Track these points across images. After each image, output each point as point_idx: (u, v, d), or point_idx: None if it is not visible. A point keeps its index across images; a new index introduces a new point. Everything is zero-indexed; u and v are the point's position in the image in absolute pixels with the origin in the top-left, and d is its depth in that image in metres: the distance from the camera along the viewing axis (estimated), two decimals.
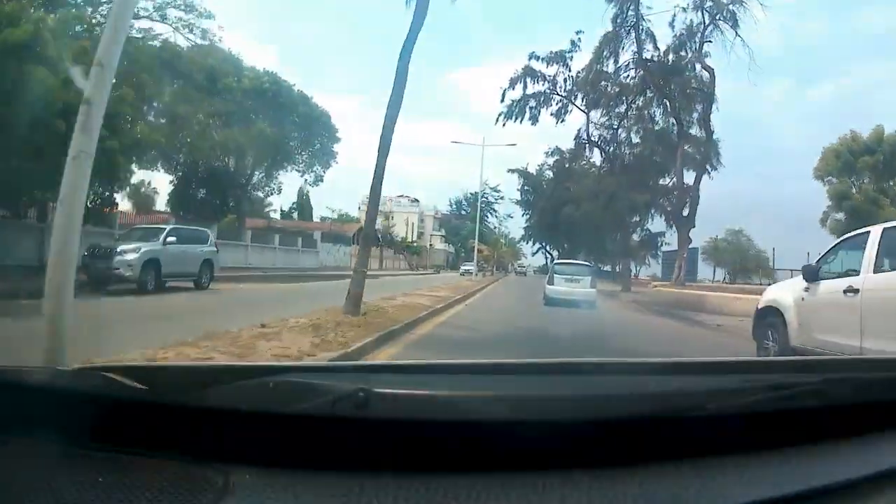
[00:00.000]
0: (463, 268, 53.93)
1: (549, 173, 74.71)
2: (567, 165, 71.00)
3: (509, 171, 68.44)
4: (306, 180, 37.62)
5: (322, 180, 38.05)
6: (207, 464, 0.83)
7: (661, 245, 52.54)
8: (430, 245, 78.71)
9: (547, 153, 73.83)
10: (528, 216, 74.83)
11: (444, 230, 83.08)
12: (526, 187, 73.25)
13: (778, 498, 0.87)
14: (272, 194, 38.36)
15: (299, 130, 35.27)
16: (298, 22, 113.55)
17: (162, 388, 0.92)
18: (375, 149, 10.42)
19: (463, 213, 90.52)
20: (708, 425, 0.95)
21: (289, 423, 0.85)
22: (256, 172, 36.15)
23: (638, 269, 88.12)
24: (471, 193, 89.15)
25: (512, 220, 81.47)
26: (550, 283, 17.85)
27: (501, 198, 79.10)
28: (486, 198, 78.86)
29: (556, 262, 22.22)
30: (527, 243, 77.55)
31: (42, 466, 0.86)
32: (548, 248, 77.96)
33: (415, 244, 64.27)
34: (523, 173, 72.06)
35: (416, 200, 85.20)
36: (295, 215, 64.93)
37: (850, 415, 1.06)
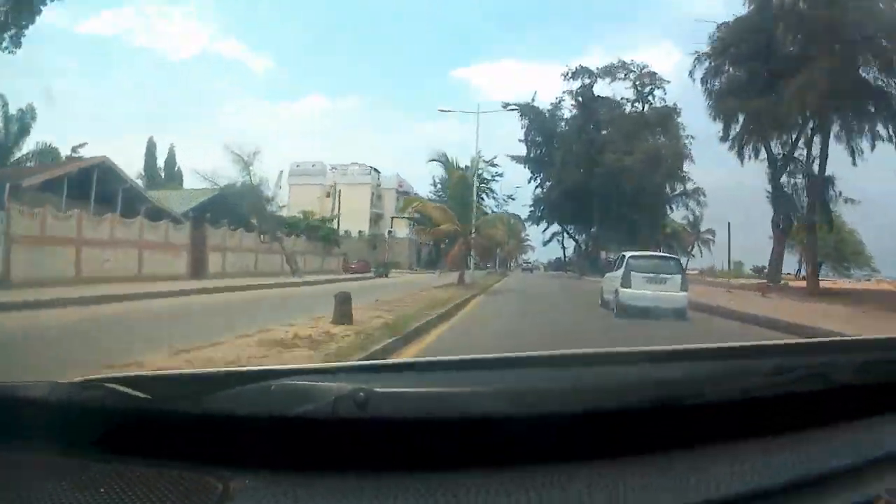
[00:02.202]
0: None
1: (569, 112, 49.41)
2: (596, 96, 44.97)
3: (505, 106, 42.23)
4: None
5: None
6: (207, 470, 0.84)
7: (836, 199, 26.14)
8: (390, 232, 52.17)
9: (566, 75, 47.31)
10: (537, 181, 48.71)
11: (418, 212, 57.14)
12: (534, 135, 47.42)
13: (781, 483, 0.88)
14: None
15: None
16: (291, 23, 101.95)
17: (164, 396, 0.91)
18: None
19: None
20: (709, 412, 0.96)
21: (289, 425, 0.85)
22: None
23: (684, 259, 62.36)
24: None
25: (515, 204, 54.54)
26: (626, 284, 12.14)
27: (500, 174, 52.94)
28: (480, 173, 54.09)
29: (631, 255, 13.38)
30: (536, 225, 51.58)
31: (44, 479, 0.86)
32: (568, 231, 51.87)
33: (325, 224, 38.18)
34: (528, 110, 44.77)
35: (376, 171, 59.04)
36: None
37: (851, 397, 1.06)
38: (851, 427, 1.04)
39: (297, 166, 58.18)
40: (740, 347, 1.26)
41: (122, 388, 0.89)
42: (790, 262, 52.50)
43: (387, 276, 35.10)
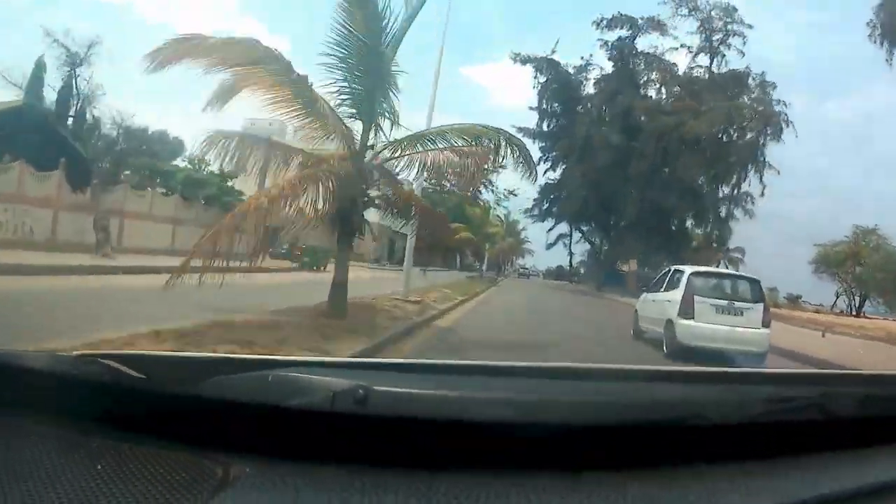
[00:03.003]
0: None
1: (600, 73, 38.63)
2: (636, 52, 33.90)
3: (514, 57, 31.17)
4: None
5: None
6: (206, 455, 0.85)
7: None
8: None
9: (598, 23, 32.63)
10: (548, 162, 37.68)
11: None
12: (550, 100, 35.86)
13: (781, 503, 0.90)
14: None
15: None
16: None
17: (161, 377, 0.93)
18: None
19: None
20: (709, 434, 0.98)
21: (288, 417, 0.86)
22: None
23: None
24: None
25: (516, 202, 43.43)
26: (687, 314, 8.80)
27: (503, 166, 42.07)
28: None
29: (694, 271, 9.56)
30: (541, 221, 40.64)
31: (40, 451, 0.87)
32: (582, 230, 40.95)
33: (223, 181, 26.66)
34: (545, 65, 33.33)
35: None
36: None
37: (850, 428, 1.09)
38: (852, 455, 1.05)
39: (252, 124, 47.27)
40: (742, 374, 1.31)
41: (117, 365, 0.90)
42: (821, 292, 42.16)
43: (323, 269, 24.27)
